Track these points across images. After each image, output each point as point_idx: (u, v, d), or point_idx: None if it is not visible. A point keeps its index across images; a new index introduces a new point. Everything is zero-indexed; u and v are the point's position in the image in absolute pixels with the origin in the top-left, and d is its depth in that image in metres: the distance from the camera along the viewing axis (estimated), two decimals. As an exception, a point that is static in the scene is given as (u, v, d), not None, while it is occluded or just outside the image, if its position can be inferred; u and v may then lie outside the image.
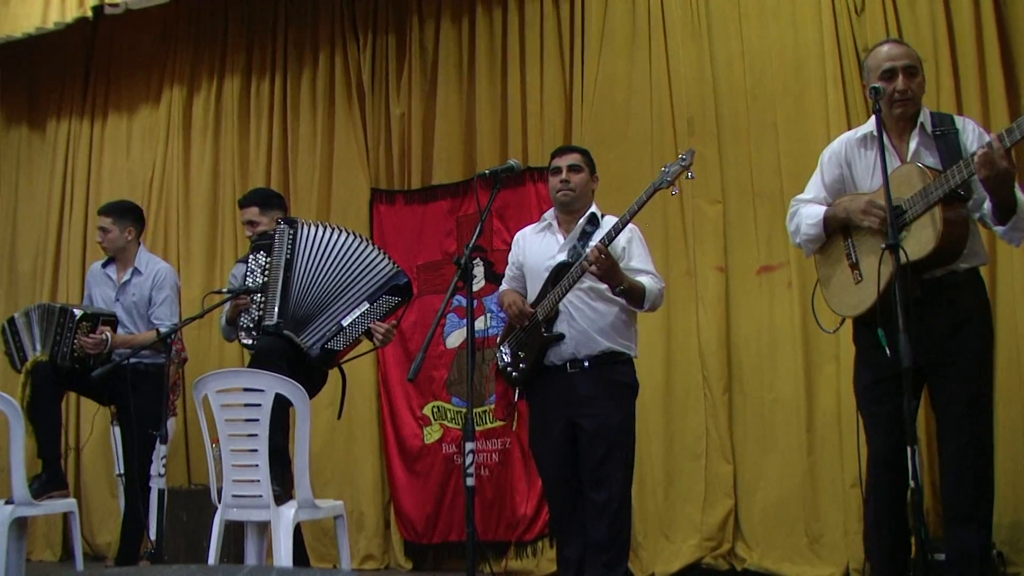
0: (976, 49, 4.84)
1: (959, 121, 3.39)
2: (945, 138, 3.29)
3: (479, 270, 5.87)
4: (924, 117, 3.37)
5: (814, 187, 3.60)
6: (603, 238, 3.85)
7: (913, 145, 3.34)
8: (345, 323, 4.35)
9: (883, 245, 3.00)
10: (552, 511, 4.39)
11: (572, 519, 4.06)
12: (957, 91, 4.87)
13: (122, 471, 5.32)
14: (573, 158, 4.22)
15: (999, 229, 3.24)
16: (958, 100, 4.86)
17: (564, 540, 4.15)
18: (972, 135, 3.33)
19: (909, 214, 3.16)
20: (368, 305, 4.39)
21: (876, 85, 3.22)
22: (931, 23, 4.98)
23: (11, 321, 5.13)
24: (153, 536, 4.56)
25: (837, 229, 3.45)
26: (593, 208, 4.21)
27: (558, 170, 4.19)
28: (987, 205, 3.20)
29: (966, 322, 3.25)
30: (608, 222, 4.05)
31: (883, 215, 3.13)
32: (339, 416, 4.85)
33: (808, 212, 3.53)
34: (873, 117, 3.35)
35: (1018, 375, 4.63)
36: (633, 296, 3.94)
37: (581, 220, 4.17)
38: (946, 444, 3.30)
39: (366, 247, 4.49)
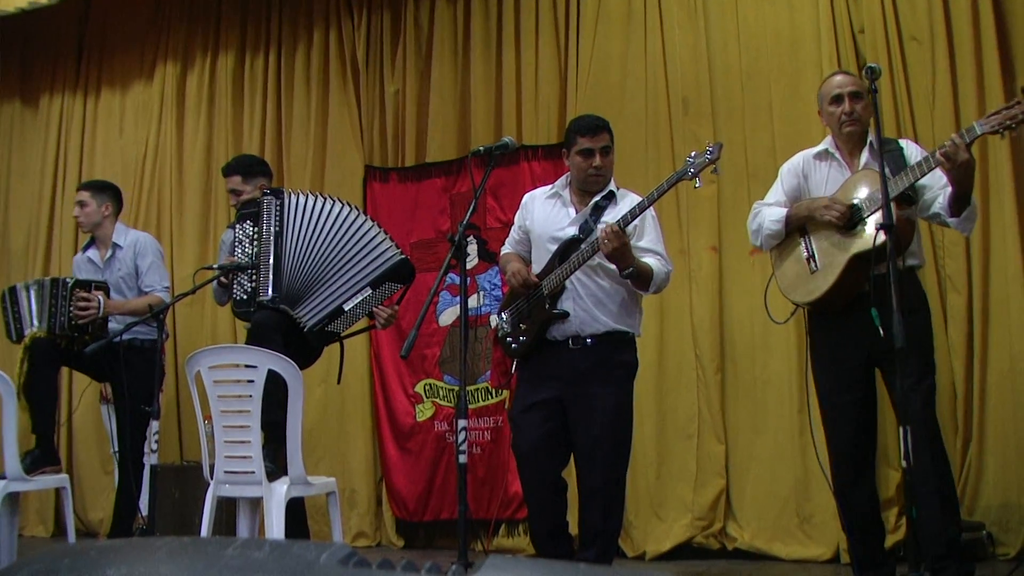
0: (972, 30, 4.83)
1: (902, 142, 3.82)
2: (891, 154, 3.62)
3: (473, 248, 5.83)
4: (871, 137, 3.77)
5: (774, 194, 3.99)
6: (619, 220, 3.71)
7: (863, 160, 3.77)
8: (347, 308, 4.31)
9: (877, 226, 3.26)
10: (524, 485, 4.10)
11: (544, 496, 3.92)
12: (953, 73, 4.86)
13: (117, 448, 5.33)
14: (605, 139, 3.94)
15: (953, 221, 3.58)
16: (953, 82, 4.86)
17: (534, 515, 4.03)
18: (915, 152, 3.71)
19: (866, 210, 3.55)
20: (371, 291, 4.33)
21: (872, 64, 3.35)
22: (927, 4, 4.97)
23: (12, 289, 5.14)
24: (145, 512, 4.56)
25: (795, 229, 3.82)
26: (611, 186, 4.01)
27: (590, 153, 3.90)
28: (941, 200, 3.58)
29: (912, 312, 3.46)
30: (623, 198, 3.94)
31: (843, 208, 3.58)
32: (338, 381, 4.87)
33: (771, 212, 3.90)
34: (829, 136, 3.89)
35: (1009, 365, 4.67)
36: (640, 280, 3.82)
37: (597, 196, 3.99)
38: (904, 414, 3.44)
39: (362, 220, 4.42)
